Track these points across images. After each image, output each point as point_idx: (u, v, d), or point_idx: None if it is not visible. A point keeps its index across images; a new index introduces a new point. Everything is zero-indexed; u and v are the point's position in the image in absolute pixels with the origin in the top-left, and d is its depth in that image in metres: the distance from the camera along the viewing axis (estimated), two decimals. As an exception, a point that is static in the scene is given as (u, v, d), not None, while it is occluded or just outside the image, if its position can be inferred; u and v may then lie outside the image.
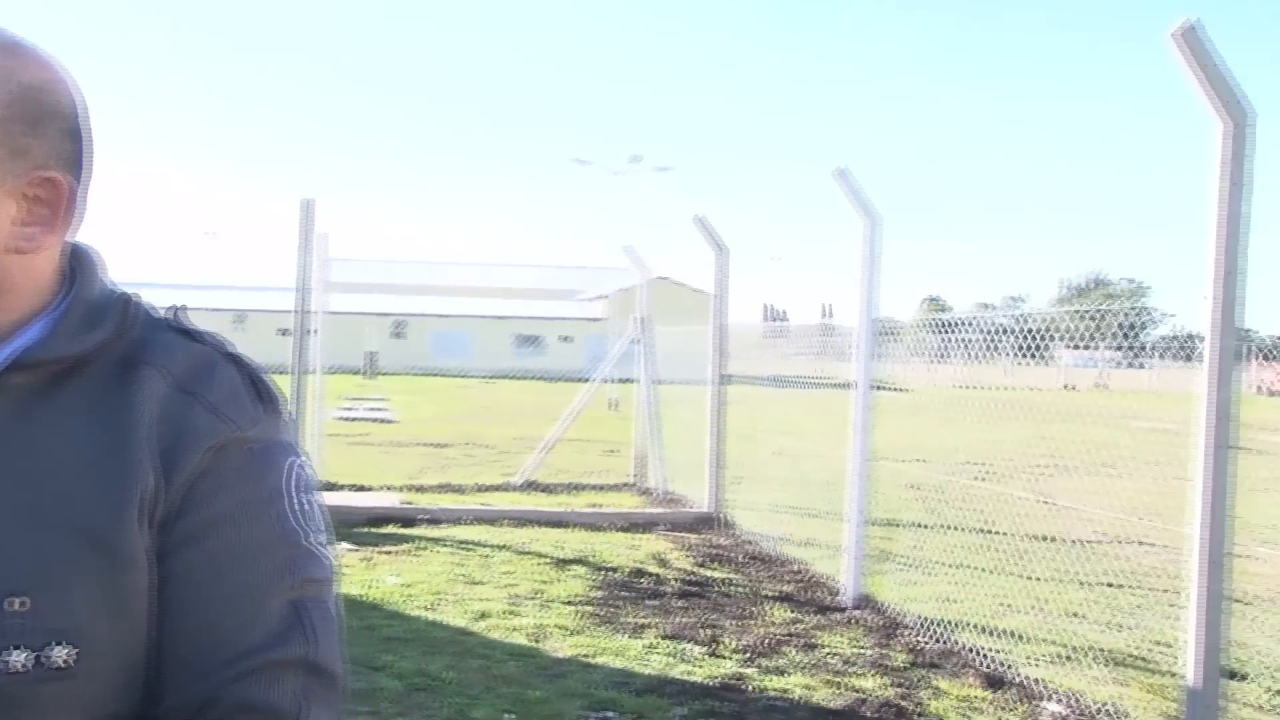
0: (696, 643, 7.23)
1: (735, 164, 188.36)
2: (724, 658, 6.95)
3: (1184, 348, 10.15)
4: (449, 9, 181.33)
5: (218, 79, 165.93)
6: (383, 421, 25.63)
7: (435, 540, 10.38)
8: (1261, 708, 6.51)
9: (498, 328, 62.96)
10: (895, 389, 16.75)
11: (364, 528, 10.90)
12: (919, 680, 6.70)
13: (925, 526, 11.99)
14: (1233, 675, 6.81)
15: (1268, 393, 50.65)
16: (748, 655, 7.01)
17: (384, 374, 48.44)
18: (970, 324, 10.81)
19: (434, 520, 11.34)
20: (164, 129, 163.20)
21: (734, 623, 7.80)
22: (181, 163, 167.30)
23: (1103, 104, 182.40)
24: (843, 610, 8.32)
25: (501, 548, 10.13)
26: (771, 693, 6.34)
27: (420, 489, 13.93)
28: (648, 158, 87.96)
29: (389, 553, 9.76)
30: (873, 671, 6.81)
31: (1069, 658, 7.17)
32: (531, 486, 14.33)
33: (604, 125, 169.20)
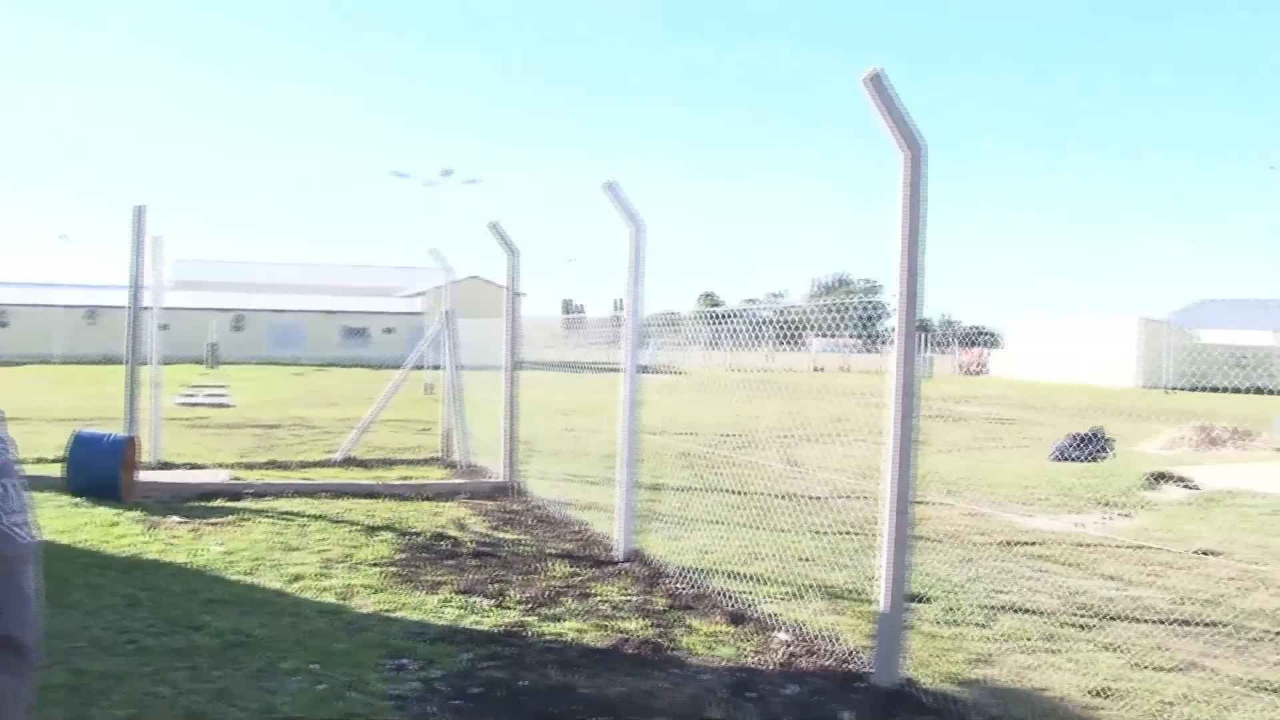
0: (486, 596, 7.33)
1: (541, 173, 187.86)
2: (509, 608, 7.07)
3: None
4: (296, 27, 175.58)
5: (80, 86, 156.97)
6: (220, 406, 24.87)
7: (258, 512, 10.21)
8: (938, 621, 6.98)
9: (328, 321, 61.74)
10: (675, 373, 17.13)
11: (195, 502, 10.66)
12: (675, 620, 6.94)
13: (692, 489, 12.36)
14: (920, 599, 7.30)
15: (966, 372, 53.59)
16: (530, 605, 7.15)
17: (225, 363, 46.98)
18: (738, 316, 11.13)
19: (259, 494, 11.14)
20: (21, 137, 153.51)
21: (520, 578, 7.92)
22: (34, 169, 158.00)
23: (840, 127, 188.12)
24: (615, 564, 8.53)
25: (318, 518, 10.03)
26: (549, 637, 6.49)
27: (249, 466, 13.64)
28: (459, 170, 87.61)
29: (215, 524, 9.57)
30: (636, 615, 7.03)
31: (799, 595, 7.53)
32: (350, 463, 14.17)
33: (423, 138, 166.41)
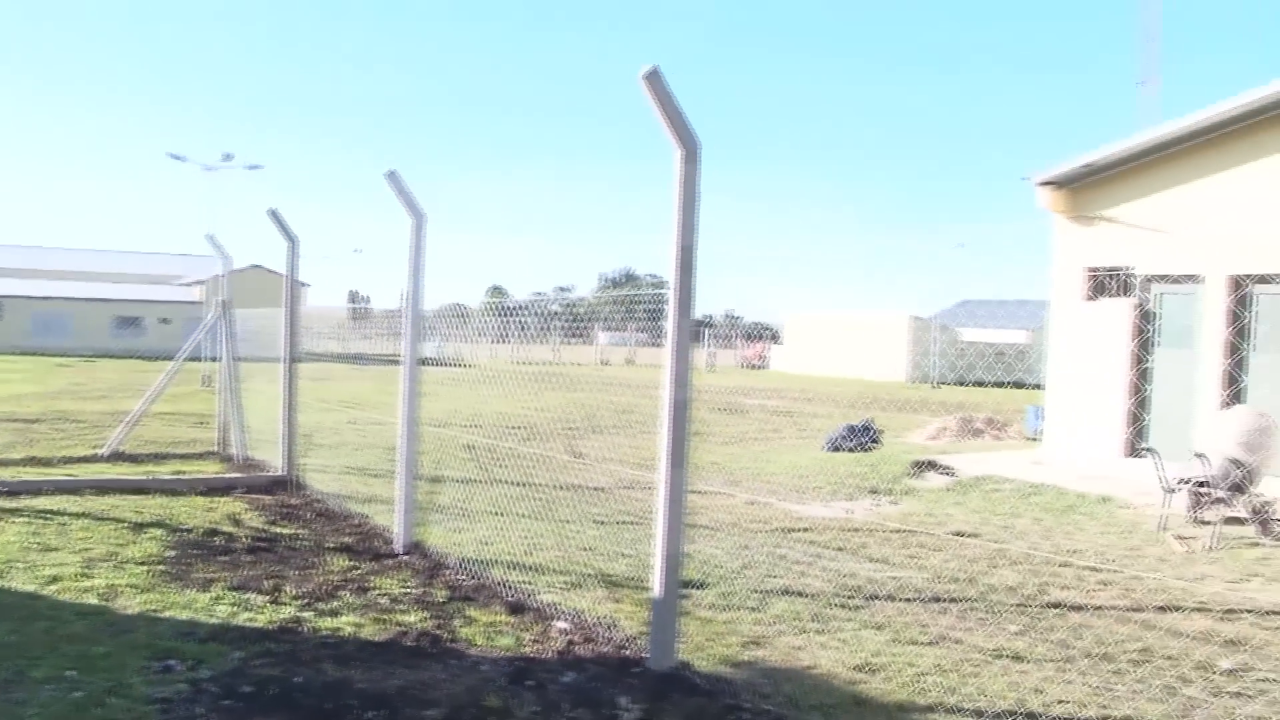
0: (260, 592, 7.10)
1: (328, 163, 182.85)
2: (284, 604, 6.87)
3: (693, 330, 10.90)
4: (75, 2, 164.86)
5: None
6: (-29, 400, 23.20)
7: (11, 511, 9.57)
8: (714, 606, 7.17)
9: (99, 309, 58.49)
10: (461, 365, 16.98)
11: (-61, 504, 9.93)
12: (454, 612, 6.88)
13: (475, 481, 12.28)
14: (697, 585, 7.49)
15: (749, 366, 55.25)
16: (306, 601, 6.96)
17: (-19, 354, 43.90)
18: (525, 309, 11.10)
19: (12, 492, 10.44)
20: None
21: (297, 573, 7.71)
22: None
23: (625, 125, 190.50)
24: (395, 556, 8.40)
25: (81, 515, 9.49)
26: (325, 632, 6.33)
27: (4, 463, 12.78)
28: (240, 155, 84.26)
29: (-38, 526, 8.92)
30: (416, 607, 6.94)
31: (579, 584, 7.59)
32: (119, 457, 13.46)
33: (204, 123, 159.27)
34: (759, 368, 55.16)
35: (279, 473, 11.75)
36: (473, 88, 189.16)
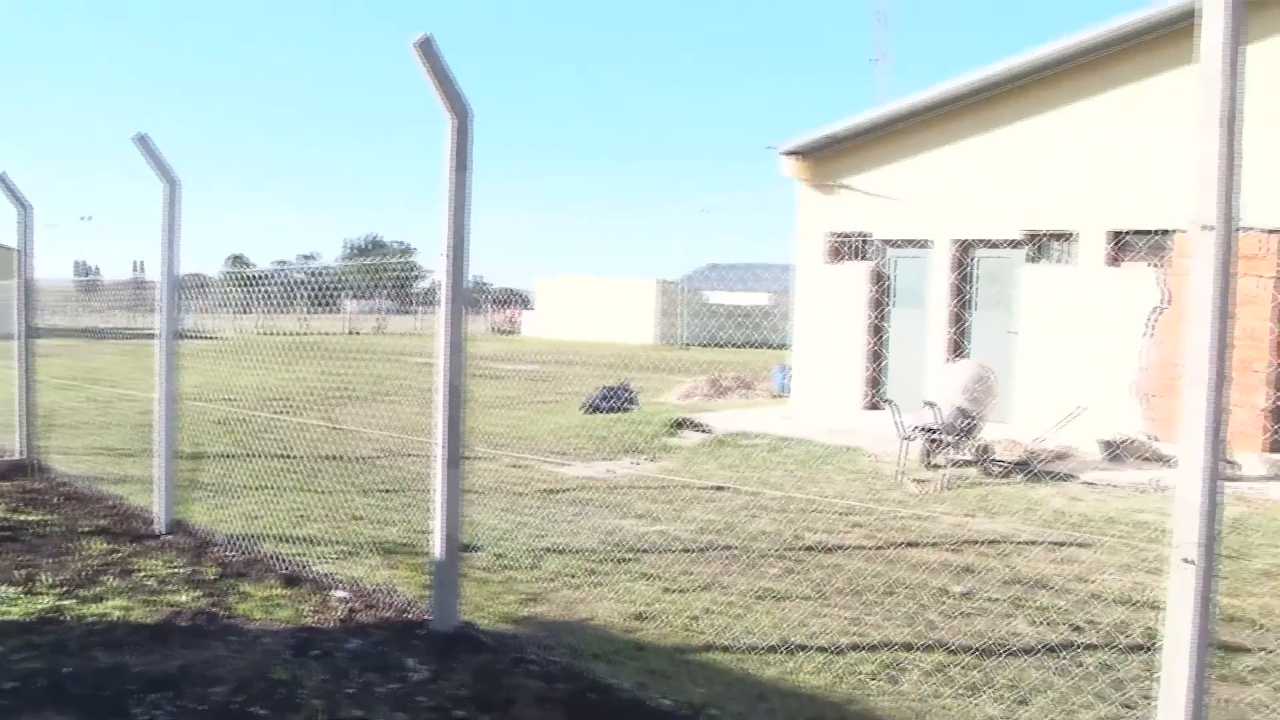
0: (11, 584, 6.77)
1: (48, 121, 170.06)
2: (41, 594, 6.59)
3: (468, 298, 11.02)
4: None
5: None
6: None
7: None
8: (489, 568, 7.37)
9: None
10: (208, 337, 16.39)
11: None
12: (228, 589, 6.79)
13: (233, 456, 11.97)
14: (471, 548, 7.66)
15: (500, 331, 55.50)
16: (66, 588, 6.70)
17: None
18: (270, 278, 10.86)
19: None
20: None
21: (51, 560, 7.38)
22: None
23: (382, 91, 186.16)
24: (157, 537, 8.15)
25: None
26: (91, 618, 6.13)
27: None
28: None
29: None
30: (186, 586, 6.80)
31: (353, 553, 7.62)
32: None
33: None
34: (510, 333, 55.37)
35: (17, 456, 11.11)
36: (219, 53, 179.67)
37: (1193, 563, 2.96)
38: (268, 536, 8.01)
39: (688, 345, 44.86)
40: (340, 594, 6.65)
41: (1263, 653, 5.94)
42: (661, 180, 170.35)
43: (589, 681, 5.12)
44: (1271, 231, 12.57)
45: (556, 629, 6.02)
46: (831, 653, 5.67)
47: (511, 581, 7.03)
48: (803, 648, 5.75)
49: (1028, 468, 11.48)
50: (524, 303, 56.21)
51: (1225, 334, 2.95)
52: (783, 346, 19.76)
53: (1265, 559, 8.20)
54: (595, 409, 17.44)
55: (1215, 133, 2.94)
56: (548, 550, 7.91)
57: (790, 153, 16.52)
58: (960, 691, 5.16)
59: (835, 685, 5.20)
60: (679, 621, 6.18)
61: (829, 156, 16.39)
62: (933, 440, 11.59)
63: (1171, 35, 12.79)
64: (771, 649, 5.70)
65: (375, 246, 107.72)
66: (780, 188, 16.94)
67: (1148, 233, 13.42)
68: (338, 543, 7.95)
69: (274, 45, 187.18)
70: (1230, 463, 11.52)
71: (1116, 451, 12.32)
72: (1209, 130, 2.95)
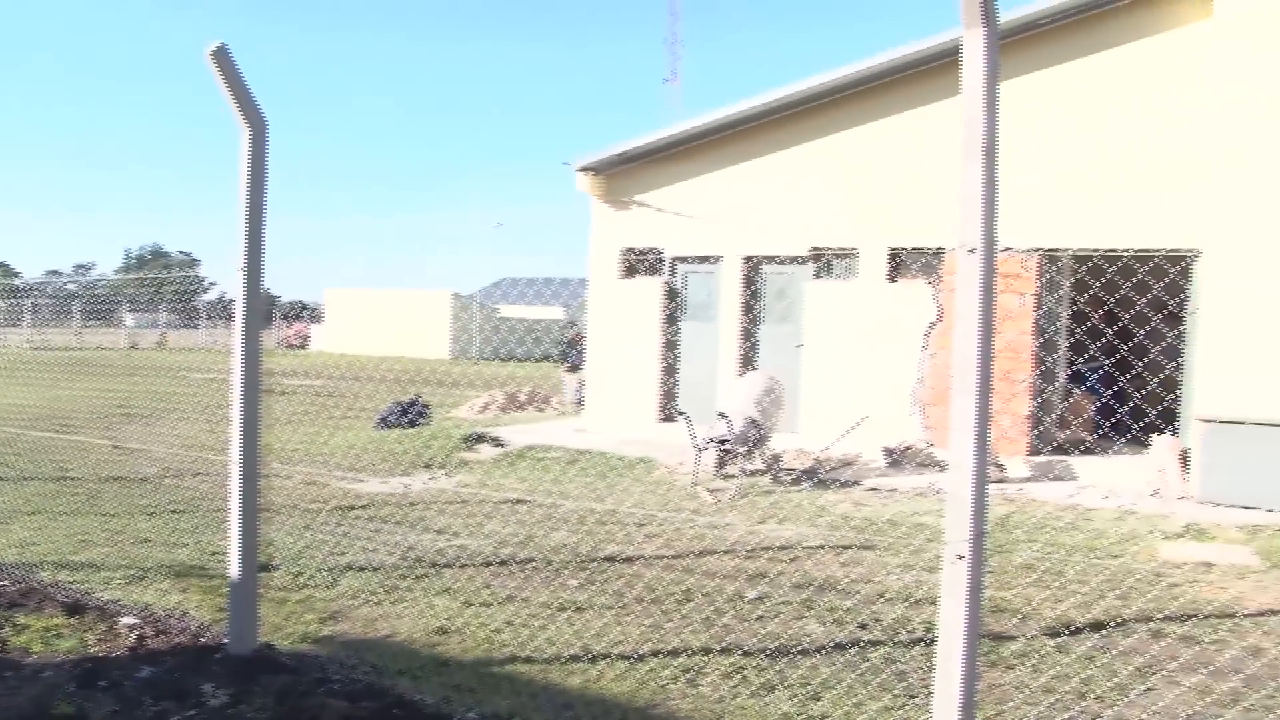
0: None
1: None
2: None
3: (227, 309, 10.67)
4: None
5: None
6: None
7: None
8: (286, 587, 7.23)
9: None
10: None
11: None
12: (1, 621, 6.46)
13: (2, 480, 11.31)
14: (266, 568, 7.50)
15: (289, 346, 53.98)
16: None
17: None
18: (41, 289, 10.31)
19: None
20: None
21: None
22: None
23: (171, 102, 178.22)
24: (-85, 568, 7.66)
25: None
26: None
27: None
28: None
29: None
30: (-48, 620, 6.43)
31: (141, 577, 7.34)
32: None
33: None
34: (300, 347, 53.85)
35: None
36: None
37: (964, 558, 3.23)
38: (45, 564, 7.62)
39: (480, 360, 44.67)
40: (129, 620, 6.41)
41: (1024, 639, 6.43)
42: (459, 194, 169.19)
43: (394, 698, 5.12)
44: (1032, 251, 13.53)
45: (358, 647, 5.97)
46: (633, 660, 5.83)
47: (310, 600, 6.93)
48: (604, 656, 5.88)
49: (816, 475, 12.00)
50: (313, 316, 54.79)
51: (989, 347, 3.24)
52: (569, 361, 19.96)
53: (1026, 553, 8.84)
54: (388, 424, 17.21)
55: (978, 164, 3.23)
56: (346, 568, 7.81)
57: (585, 169, 16.76)
58: (757, 691, 5.39)
59: (638, 691, 5.36)
60: (482, 635, 6.22)
61: (623, 173, 16.71)
62: (725, 451, 11.97)
63: (941, 67, 13.65)
64: (574, 658, 5.82)
65: (157, 256, 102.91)
66: (575, 203, 17.17)
67: (922, 251, 14.23)
68: (125, 567, 7.64)
69: (43, 41, 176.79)
70: (997, 465, 12.34)
71: (897, 458, 13.01)
72: (972, 161, 3.24)
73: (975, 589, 3.25)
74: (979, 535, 3.25)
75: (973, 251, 3.25)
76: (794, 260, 15.35)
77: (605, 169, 16.75)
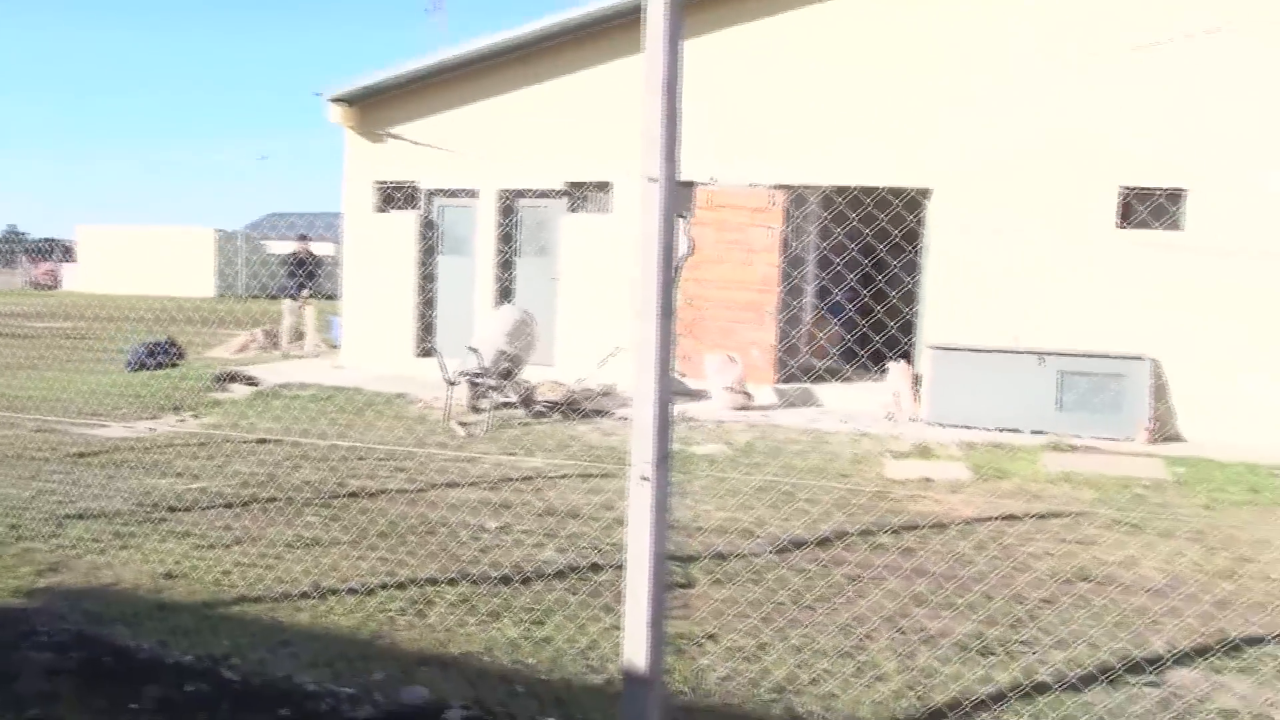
0: None
1: None
2: None
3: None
4: None
5: None
6: None
7: None
8: (3, 541, 6.80)
9: None
10: None
11: None
12: None
13: None
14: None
15: (38, 286, 50.49)
16: None
17: None
18: None
19: None
20: None
21: None
22: None
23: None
24: None
25: None
26: None
27: None
28: None
29: None
30: None
31: None
32: None
33: None
34: (50, 287, 50.34)
35: None
36: None
37: (648, 480, 3.28)
38: None
39: (250, 297, 42.91)
40: None
41: (751, 556, 6.68)
42: (220, 124, 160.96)
43: (106, 646, 4.89)
44: (778, 187, 13.90)
45: (76, 597, 5.66)
46: (363, 594, 5.75)
47: (29, 553, 6.51)
48: (335, 591, 5.78)
49: (569, 406, 12.09)
50: (65, 254, 51.24)
51: (670, 272, 3.28)
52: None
53: (762, 477, 9.17)
54: (140, 366, 16.34)
55: (658, 98, 3.24)
56: (72, 517, 7.38)
57: (338, 100, 16.15)
58: (484, 618, 5.41)
59: (364, 624, 5.29)
60: (209, 577, 6.00)
61: (377, 104, 16.19)
62: (477, 384, 11.90)
63: (690, 7, 13.74)
64: (305, 595, 5.69)
65: None
66: (331, 134, 16.55)
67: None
68: None
69: None
70: (744, 394, 12.74)
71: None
72: (652, 95, 3.25)
73: (661, 509, 3.32)
74: (663, 458, 3.31)
75: (653, 181, 3.27)
76: (550, 194, 15.29)
77: (359, 100, 16.19)
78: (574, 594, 5.82)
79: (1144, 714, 4.56)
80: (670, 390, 3.34)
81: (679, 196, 3.37)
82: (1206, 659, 5.25)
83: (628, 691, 3.44)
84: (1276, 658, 5.33)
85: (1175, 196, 12.67)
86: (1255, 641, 5.55)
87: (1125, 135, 12.72)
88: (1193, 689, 4.88)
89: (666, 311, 3.28)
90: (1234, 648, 5.42)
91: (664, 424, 3.30)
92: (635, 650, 3.38)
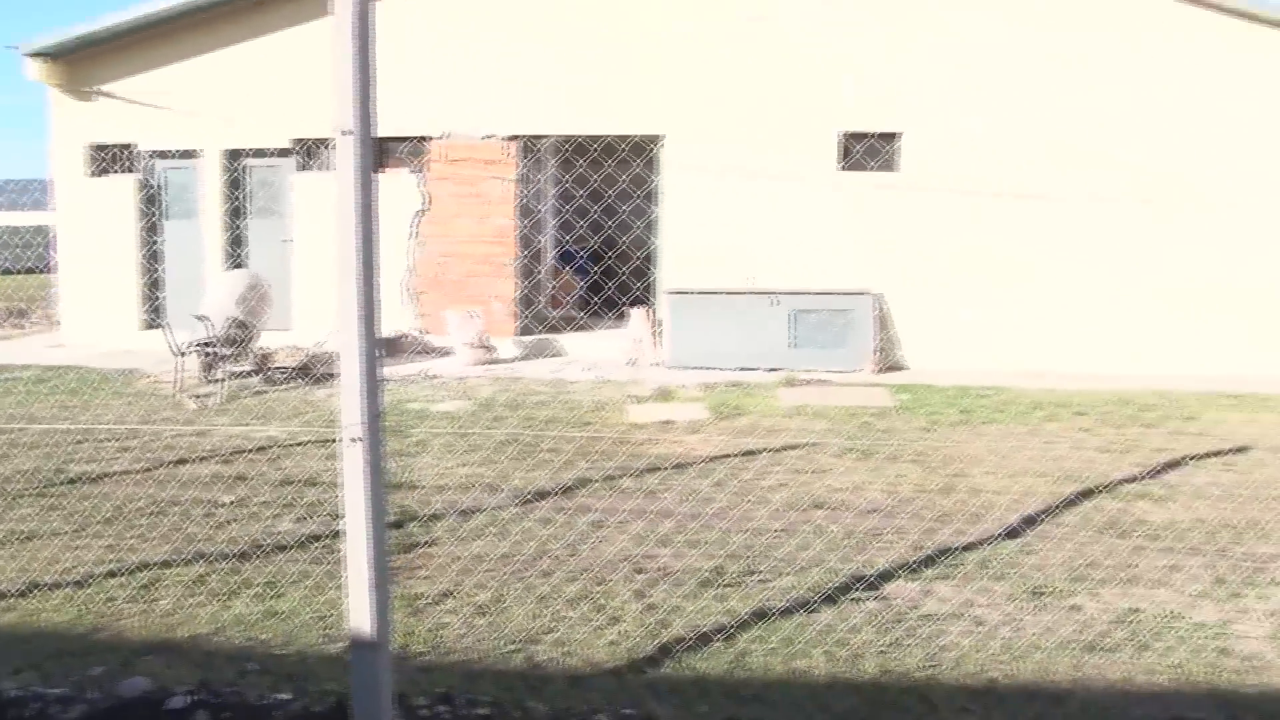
0: None
1: None
2: None
3: None
4: None
5: None
6: None
7: None
8: None
9: None
10: None
11: None
12: None
13: None
14: None
15: None
16: None
17: None
18: None
19: None
20: None
21: None
22: None
23: None
24: None
25: None
26: None
27: None
28: None
29: None
30: None
31: None
32: None
33: None
34: None
35: None
36: None
37: (360, 440, 3.18)
38: None
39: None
40: None
41: (494, 510, 6.66)
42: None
43: None
44: (511, 138, 13.78)
45: None
46: (85, 585, 5.39)
47: None
48: (54, 586, 5.40)
49: (309, 372, 11.70)
50: None
51: (370, 228, 3.18)
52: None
53: (505, 429, 9.15)
54: None
55: (348, 46, 3.10)
56: None
57: (38, 54, 14.88)
58: (220, 596, 5.18)
59: (82, 616, 4.96)
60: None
61: (86, 60, 15.03)
62: (209, 354, 11.35)
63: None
64: (19, 594, 5.28)
65: None
66: (31, 93, 15.28)
67: (407, 139, 14.04)
68: None
69: None
70: (485, 347, 12.66)
71: (393, 347, 12.98)
72: (342, 43, 3.11)
73: (376, 470, 3.23)
74: (375, 417, 3.22)
75: (347, 134, 3.14)
76: (279, 153, 14.66)
77: (64, 55, 14.97)
78: (319, 564, 5.65)
79: (857, 625, 4.83)
80: (375, 346, 3.25)
81: (377, 149, 3.26)
82: (926, 570, 5.61)
83: (355, 656, 3.36)
84: (983, 561, 5.75)
85: (890, 138, 13.34)
86: (969, 549, 5.97)
87: (844, 81, 13.27)
88: (907, 597, 5.20)
89: (368, 269, 3.18)
90: (950, 557, 5.81)
91: (373, 382, 3.21)
92: (360, 614, 3.29)
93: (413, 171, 14.14)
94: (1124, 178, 12.92)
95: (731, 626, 4.76)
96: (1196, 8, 12.86)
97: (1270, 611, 5.14)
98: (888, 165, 13.37)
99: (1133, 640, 4.74)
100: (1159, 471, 7.86)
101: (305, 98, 14.05)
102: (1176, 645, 4.68)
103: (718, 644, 4.61)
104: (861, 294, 12.83)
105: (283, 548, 5.98)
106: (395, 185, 14.08)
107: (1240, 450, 8.70)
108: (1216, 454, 8.55)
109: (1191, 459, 8.33)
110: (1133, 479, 7.65)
